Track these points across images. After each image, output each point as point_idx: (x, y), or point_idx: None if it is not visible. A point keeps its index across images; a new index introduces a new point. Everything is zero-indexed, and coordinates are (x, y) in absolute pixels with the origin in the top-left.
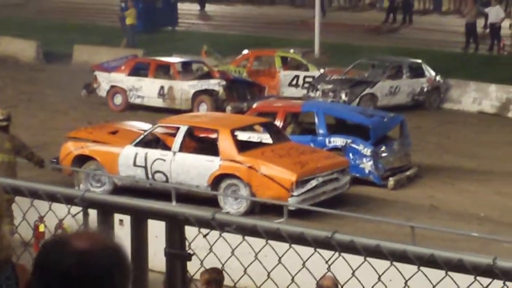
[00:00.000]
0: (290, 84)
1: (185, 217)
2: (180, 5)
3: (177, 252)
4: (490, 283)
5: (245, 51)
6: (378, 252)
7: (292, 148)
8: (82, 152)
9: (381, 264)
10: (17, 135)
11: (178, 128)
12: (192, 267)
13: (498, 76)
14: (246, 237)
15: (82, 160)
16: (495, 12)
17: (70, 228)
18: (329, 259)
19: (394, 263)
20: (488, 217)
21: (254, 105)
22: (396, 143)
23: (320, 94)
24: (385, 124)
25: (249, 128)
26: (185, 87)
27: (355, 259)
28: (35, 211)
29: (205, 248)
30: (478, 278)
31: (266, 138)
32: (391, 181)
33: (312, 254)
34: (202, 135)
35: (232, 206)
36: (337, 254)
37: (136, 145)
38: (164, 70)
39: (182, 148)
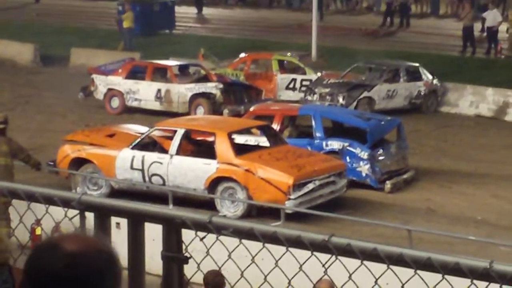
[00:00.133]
0: (287, 88)
1: (182, 220)
2: (177, 8)
3: (174, 255)
4: (486, 286)
5: (242, 55)
6: (375, 255)
7: (289, 151)
8: (79, 155)
9: (378, 267)
10: (14, 138)
11: (175, 131)
12: (189, 270)
13: (495, 80)
14: (243, 240)
15: (79, 163)
16: (492, 16)
17: (67, 231)
18: (326, 263)
19: (391, 266)
20: (485, 220)
21: (251, 108)
22: (393, 147)
23: (318, 98)
24: (382, 127)
25: (246, 131)
26: (182, 90)
27: (352, 263)
28: (32, 214)
29: (202, 251)
30: (475, 281)
31: (263, 141)
32: (388, 185)
33: (309, 258)
34: (199, 138)
35: (229, 209)
36: (334, 257)
37: (133, 148)
38: (161, 73)
39: (179, 151)
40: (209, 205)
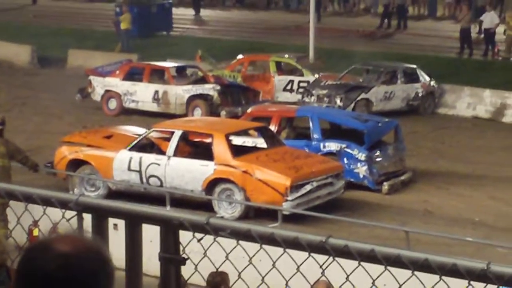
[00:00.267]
0: (284, 89)
1: (179, 222)
2: (175, 10)
3: (172, 256)
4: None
5: (240, 56)
6: (373, 256)
7: (286, 153)
8: (77, 156)
9: (375, 268)
10: (11, 139)
11: (172, 133)
12: (187, 271)
13: (492, 81)
14: (241, 242)
15: (76, 164)
16: (489, 18)
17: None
18: (323, 264)
19: (389, 267)
20: (482, 222)
21: (249, 110)
22: (391, 148)
23: (315, 99)
24: (380, 129)
25: (244, 132)
26: (180, 92)
27: (350, 264)
28: (30, 215)
29: (200, 253)
30: (472, 282)
31: (261, 143)
32: (385, 186)
33: (307, 259)
34: (196, 139)
35: (227, 211)
36: (331, 258)
37: (131, 149)
38: (158, 75)
39: (177, 153)
40: (206, 206)
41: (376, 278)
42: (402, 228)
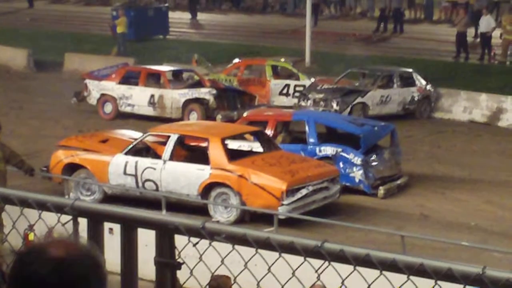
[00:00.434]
0: (280, 93)
1: (175, 226)
2: (171, 14)
3: (167, 261)
4: None
5: (236, 60)
6: (368, 261)
7: (282, 157)
8: (73, 160)
9: (371, 273)
10: (7, 143)
11: (168, 137)
12: (182, 276)
13: (488, 86)
14: (236, 246)
15: (72, 168)
16: (486, 22)
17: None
18: (319, 268)
19: (384, 272)
20: (478, 226)
21: (245, 114)
22: (387, 152)
23: (311, 103)
24: (376, 133)
25: (240, 136)
26: (176, 96)
27: (345, 268)
28: (25, 220)
29: (195, 257)
30: (467, 287)
31: (257, 147)
32: (381, 190)
33: (302, 263)
34: (192, 143)
35: (222, 215)
36: (327, 263)
37: (127, 153)
38: (154, 79)
39: (173, 157)
40: (202, 210)
41: (372, 283)
42: (397, 233)
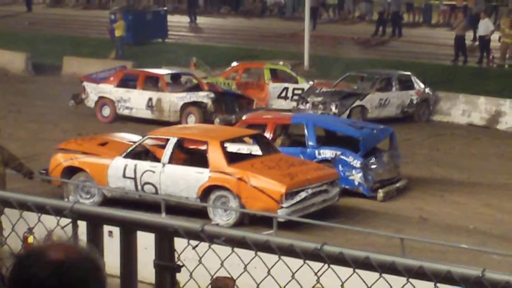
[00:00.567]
0: (279, 97)
1: (174, 229)
2: (170, 17)
3: (167, 263)
4: None
5: (234, 63)
6: (367, 264)
7: (281, 160)
8: (72, 163)
9: (370, 276)
10: (6, 147)
11: (167, 140)
12: (182, 278)
13: (487, 89)
14: (235, 249)
15: (71, 171)
16: (484, 25)
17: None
18: (318, 271)
19: (383, 275)
20: (477, 229)
21: (244, 117)
22: (386, 155)
23: (310, 107)
24: (375, 136)
25: (239, 140)
26: (174, 99)
27: (345, 271)
28: (25, 223)
29: (195, 260)
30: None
31: (256, 150)
32: (380, 193)
33: (301, 266)
34: (191, 147)
35: (222, 218)
36: (326, 266)
37: (126, 156)
38: (152, 82)
39: (172, 160)
40: (201, 213)
41: (371, 285)
42: (397, 235)
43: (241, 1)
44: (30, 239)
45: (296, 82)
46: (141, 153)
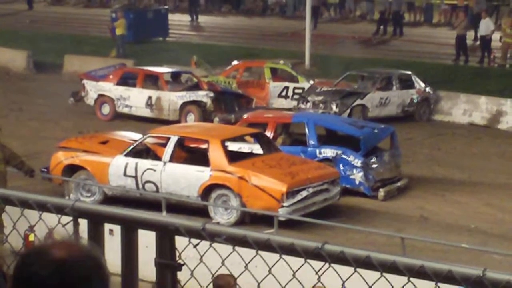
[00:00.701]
0: (279, 96)
1: (175, 227)
2: (171, 16)
3: (167, 262)
4: None
5: (235, 62)
6: (368, 263)
7: (282, 159)
8: (73, 161)
9: (371, 275)
10: (7, 145)
11: (168, 138)
12: (182, 277)
13: (488, 88)
14: (236, 248)
15: (72, 169)
16: (485, 25)
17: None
18: (319, 270)
19: (384, 274)
20: (478, 228)
21: (245, 116)
22: (387, 154)
23: (311, 106)
24: (376, 135)
25: (240, 138)
26: (173, 98)
27: (345, 270)
28: (25, 221)
29: (196, 258)
30: None
31: (257, 149)
32: (381, 192)
33: (302, 265)
34: (192, 145)
35: (222, 217)
36: (327, 265)
37: (127, 155)
38: (152, 81)
39: (173, 158)
40: (202, 212)
41: (372, 285)
42: (397, 235)
43: (242, 0)
44: (31, 237)
45: (297, 81)
46: (142, 152)
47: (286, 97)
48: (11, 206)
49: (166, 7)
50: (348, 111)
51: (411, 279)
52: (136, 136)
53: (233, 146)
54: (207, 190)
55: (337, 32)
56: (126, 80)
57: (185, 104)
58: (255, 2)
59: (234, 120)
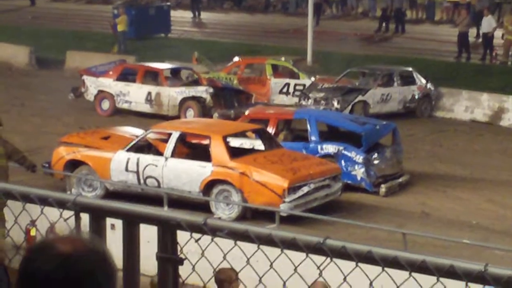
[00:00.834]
0: (280, 92)
1: (177, 222)
2: (173, 12)
3: (169, 256)
4: None
5: (236, 59)
6: (370, 258)
7: (284, 155)
8: (74, 157)
9: (372, 270)
10: (9, 140)
11: (170, 134)
12: (184, 271)
13: (490, 85)
14: (238, 242)
15: (74, 164)
16: (487, 22)
17: (62, 233)
18: (320, 265)
19: (386, 269)
20: (480, 224)
21: (247, 112)
22: (388, 151)
23: (312, 102)
24: (377, 131)
25: (242, 134)
26: (173, 94)
27: (347, 265)
28: (27, 215)
29: (197, 253)
30: (469, 284)
31: (259, 145)
32: (383, 188)
33: (304, 260)
34: (194, 141)
35: (224, 212)
36: (328, 259)
37: (128, 150)
38: (152, 76)
39: (174, 154)
40: (204, 208)
41: (374, 279)
42: (399, 230)
43: None
44: (33, 231)
45: (298, 77)
46: (143, 147)
47: (287, 93)
48: (12, 200)
49: (168, 3)
50: (350, 107)
51: (413, 274)
52: (138, 131)
53: (234, 142)
54: (209, 186)
55: (339, 29)
56: (126, 76)
57: (184, 99)
58: None
59: (233, 116)
